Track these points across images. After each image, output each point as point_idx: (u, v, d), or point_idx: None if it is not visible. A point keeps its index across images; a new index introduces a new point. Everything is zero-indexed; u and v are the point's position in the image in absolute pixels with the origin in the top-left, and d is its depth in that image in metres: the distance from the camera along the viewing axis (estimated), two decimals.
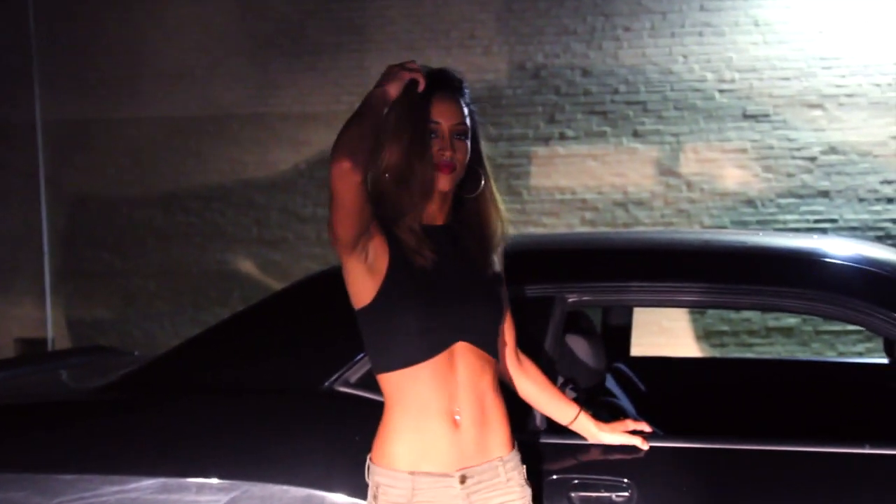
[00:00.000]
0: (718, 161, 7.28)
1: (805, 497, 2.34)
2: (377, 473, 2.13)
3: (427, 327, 2.09)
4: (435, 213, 2.17)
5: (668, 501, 2.36)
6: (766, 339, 7.24)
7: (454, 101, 2.16)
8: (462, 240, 2.21)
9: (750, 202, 7.25)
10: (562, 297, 2.57)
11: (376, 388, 2.22)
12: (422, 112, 2.11)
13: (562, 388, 2.71)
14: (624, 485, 2.35)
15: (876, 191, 7.16)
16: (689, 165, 7.30)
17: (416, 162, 2.09)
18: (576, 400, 2.48)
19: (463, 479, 2.12)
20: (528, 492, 2.20)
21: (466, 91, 2.20)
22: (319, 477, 2.45)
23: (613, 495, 2.35)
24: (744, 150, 7.24)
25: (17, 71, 7.83)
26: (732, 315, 7.20)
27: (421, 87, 2.09)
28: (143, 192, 7.87)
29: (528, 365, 2.38)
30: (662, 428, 2.61)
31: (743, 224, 7.23)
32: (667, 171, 7.32)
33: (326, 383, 2.57)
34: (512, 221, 2.34)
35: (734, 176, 7.26)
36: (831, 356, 7.05)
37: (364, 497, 2.19)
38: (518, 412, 2.36)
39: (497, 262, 2.26)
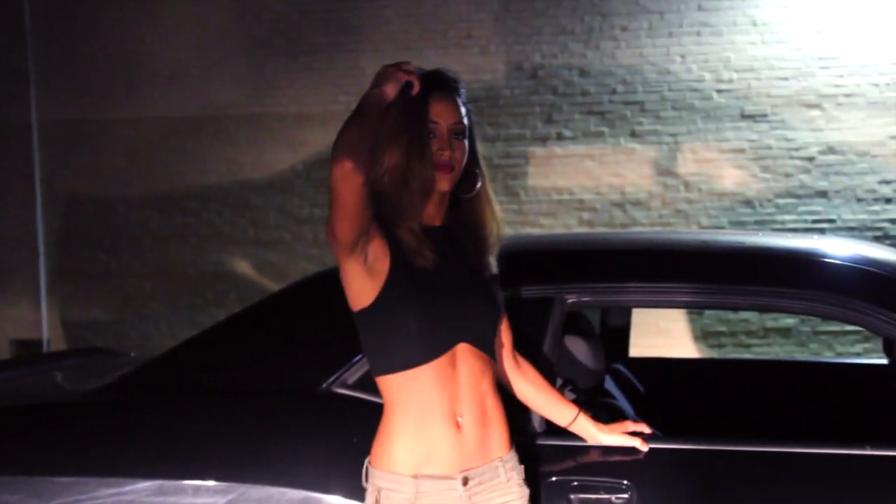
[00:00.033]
0: (716, 161, 7.27)
1: (805, 498, 2.34)
2: (378, 477, 2.12)
3: (428, 328, 2.08)
4: (433, 213, 2.17)
5: (667, 503, 2.35)
6: (764, 339, 7.23)
7: (452, 101, 2.15)
8: (459, 240, 2.21)
9: (748, 202, 7.25)
10: (561, 298, 2.57)
11: (374, 390, 2.21)
12: (420, 112, 2.11)
13: (561, 390, 2.71)
14: (623, 486, 2.34)
15: (874, 191, 7.15)
16: (686, 166, 7.29)
17: (416, 162, 2.09)
18: (575, 401, 2.48)
19: (465, 481, 2.11)
20: (526, 491, 2.21)
21: (463, 91, 2.20)
22: (317, 479, 2.44)
23: (613, 497, 2.34)
24: (742, 151, 7.23)
25: (13, 70, 7.81)
26: (730, 315, 7.19)
27: (415, 89, 2.08)
28: (139, 192, 7.85)
29: (526, 367, 2.38)
30: (661, 429, 2.60)
31: (741, 224, 7.23)
32: (664, 171, 7.31)
33: (324, 385, 2.56)
34: (509, 222, 2.34)
35: (732, 176, 7.26)
36: (829, 357, 7.05)
37: (362, 499, 2.18)
38: (517, 414, 2.35)
39: (493, 263, 2.25)
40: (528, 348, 2.42)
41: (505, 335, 2.32)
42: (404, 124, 2.10)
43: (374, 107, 2.01)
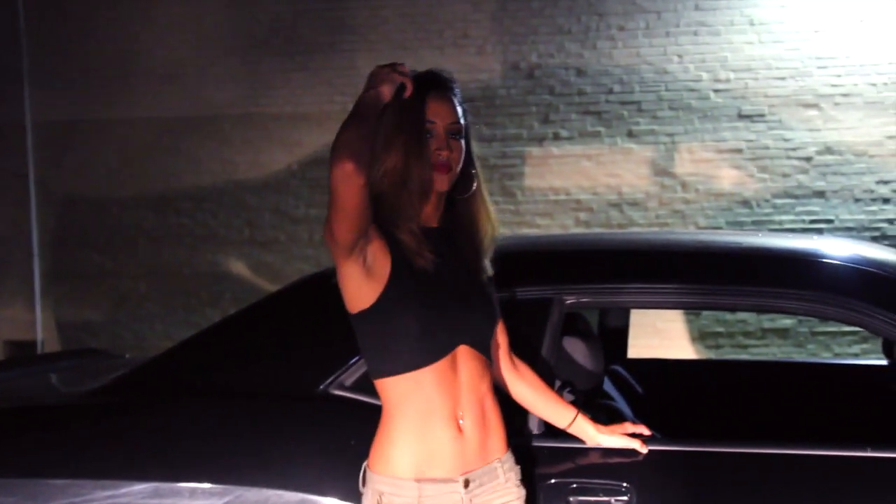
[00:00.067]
0: (713, 161, 7.27)
1: (804, 500, 2.33)
2: (378, 482, 2.10)
3: (429, 330, 2.07)
4: (430, 214, 2.16)
5: None
6: (762, 340, 7.23)
7: (448, 101, 2.15)
8: (456, 242, 2.20)
9: (745, 203, 7.24)
10: (559, 299, 2.55)
11: (372, 392, 2.20)
12: (417, 113, 2.10)
13: (559, 391, 2.70)
14: (623, 489, 2.33)
15: (872, 191, 7.15)
16: (684, 166, 7.29)
17: (414, 163, 2.08)
18: (573, 403, 2.47)
19: (466, 483, 2.11)
20: (523, 492, 2.21)
21: (458, 90, 2.19)
22: (314, 481, 2.43)
23: (612, 499, 2.33)
24: (739, 151, 7.23)
25: (7, 71, 7.80)
26: (727, 316, 7.19)
27: (408, 91, 2.07)
28: (133, 192, 7.83)
29: (524, 369, 2.37)
30: (660, 431, 2.59)
31: (738, 224, 7.22)
32: (662, 171, 7.31)
33: (321, 386, 2.55)
34: (506, 222, 2.33)
35: (729, 176, 7.25)
36: (828, 357, 7.05)
37: (359, 502, 2.16)
38: (515, 416, 2.34)
39: (489, 265, 2.24)
40: (526, 349, 2.41)
41: (501, 337, 2.31)
42: (401, 125, 2.09)
43: (371, 108, 2.00)
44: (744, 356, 7.07)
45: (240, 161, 7.75)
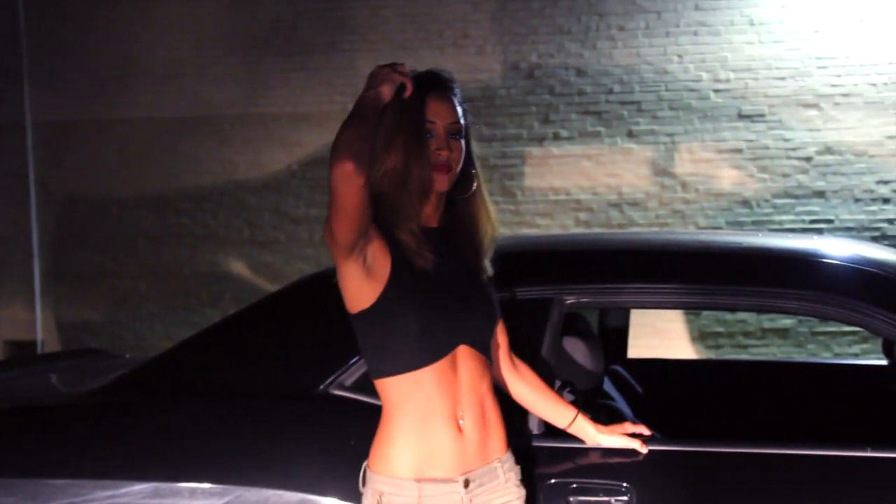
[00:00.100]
0: (713, 161, 7.26)
1: (804, 500, 2.33)
2: (378, 482, 2.10)
3: (429, 330, 2.07)
4: (430, 214, 2.16)
5: None
6: (762, 340, 7.23)
7: (448, 101, 2.14)
8: (456, 242, 2.20)
9: (745, 203, 7.24)
10: (560, 299, 2.55)
11: (372, 392, 2.20)
12: (417, 112, 2.10)
13: (559, 391, 2.69)
14: (623, 489, 2.33)
15: (872, 191, 7.15)
16: (684, 166, 7.29)
17: (414, 163, 2.08)
18: (573, 403, 2.46)
19: (466, 483, 2.11)
20: (522, 492, 2.21)
21: (458, 90, 2.19)
22: (314, 481, 2.43)
23: (612, 499, 2.33)
24: (739, 151, 7.23)
25: (6, 71, 7.79)
26: (727, 316, 7.19)
27: (408, 91, 2.07)
28: (133, 192, 7.83)
29: (524, 369, 2.37)
30: (660, 431, 2.59)
31: (738, 224, 7.22)
32: (662, 171, 7.31)
33: (321, 386, 2.55)
34: (506, 222, 2.33)
35: (729, 176, 7.25)
36: (828, 357, 7.04)
37: (358, 502, 2.16)
38: (514, 416, 2.34)
39: (489, 265, 2.24)
40: (526, 349, 2.41)
41: (501, 337, 2.31)
42: (401, 125, 2.09)
43: (372, 108, 2.00)
44: (744, 356, 7.07)
45: (240, 161, 7.75)
